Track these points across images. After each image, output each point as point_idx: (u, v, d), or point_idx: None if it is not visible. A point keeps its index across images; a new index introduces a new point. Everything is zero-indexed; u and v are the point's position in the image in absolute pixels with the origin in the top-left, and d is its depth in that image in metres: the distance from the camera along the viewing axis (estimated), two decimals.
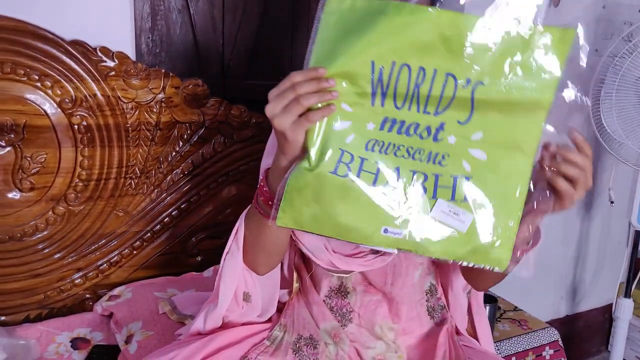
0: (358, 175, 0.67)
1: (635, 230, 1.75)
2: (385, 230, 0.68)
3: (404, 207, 0.68)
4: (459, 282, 0.99)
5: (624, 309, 1.78)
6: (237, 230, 0.88)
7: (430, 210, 0.68)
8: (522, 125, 0.67)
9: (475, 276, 0.94)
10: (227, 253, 0.90)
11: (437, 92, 0.66)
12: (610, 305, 1.86)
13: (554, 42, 0.65)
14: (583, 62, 0.67)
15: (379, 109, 0.67)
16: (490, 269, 0.71)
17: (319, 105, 0.67)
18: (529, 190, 0.69)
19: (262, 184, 0.78)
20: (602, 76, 1.54)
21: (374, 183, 0.67)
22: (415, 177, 0.68)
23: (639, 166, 1.61)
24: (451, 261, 0.71)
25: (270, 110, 0.68)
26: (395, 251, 0.70)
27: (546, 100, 0.66)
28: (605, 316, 2.26)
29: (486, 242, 0.69)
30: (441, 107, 0.66)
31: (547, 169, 0.69)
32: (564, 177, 0.69)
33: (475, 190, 0.68)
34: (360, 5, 0.66)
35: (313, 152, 0.67)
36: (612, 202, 1.80)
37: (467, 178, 0.68)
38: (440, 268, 1.00)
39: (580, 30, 0.65)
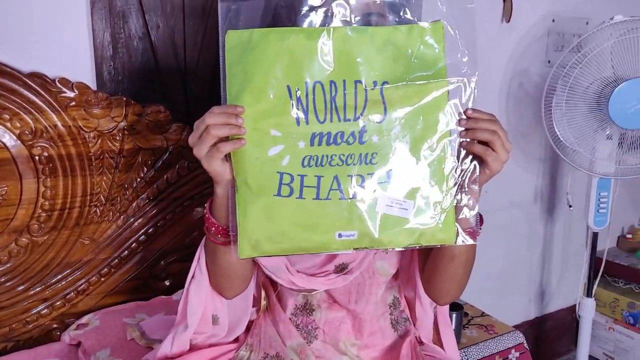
0: (301, 192, 0.73)
1: (593, 232, 1.82)
2: (339, 235, 0.74)
3: (350, 210, 0.73)
4: (427, 297, 1.02)
5: (587, 308, 1.84)
6: (198, 258, 0.90)
7: (375, 207, 0.74)
8: (430, 110, 0.74)
9: (435, 286, 0.97)
10: (191, 278, 0.92)
11: (351, 100, 0.73)
12: (576, 305, 1.92)
13: (430, 34, 0.75)
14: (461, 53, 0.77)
15: (304, 127, 0.73)
16: (440, 246, 0.78)
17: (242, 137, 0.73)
18: (456, 165, 0.76)
19: (207, 216, 0.82)
20: (553, 86, 1.61)
21: (318, 195, 0.73)
22: (353, 180, 0.73)
23: (592, 171, 1.68)
24: (403, 248, 0.77)
25: (190, 139, 0.75)
26: (352, 252, 0.76)
27: (443, 82, 0.74)
28: (572, 316, 2.33)
29: (430, 222, 0.75)
30: (358, 112, 0.73)
31: (464, 141, 0.76)
32: (480, 143, 0.76)
33: (408, 179, 0.74)
34: (257, 36, 0.72)
35: (239, 181, 0.73)
36: (570, 206, 1.86)
37: (398, 169, 0.74)
38: (406, 282, 1.03)
39: (444, 23, 0.76)
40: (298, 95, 0.72)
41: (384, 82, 0.73)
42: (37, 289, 1.19)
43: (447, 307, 1.11)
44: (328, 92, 0.73)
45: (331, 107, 0.73)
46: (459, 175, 0.77)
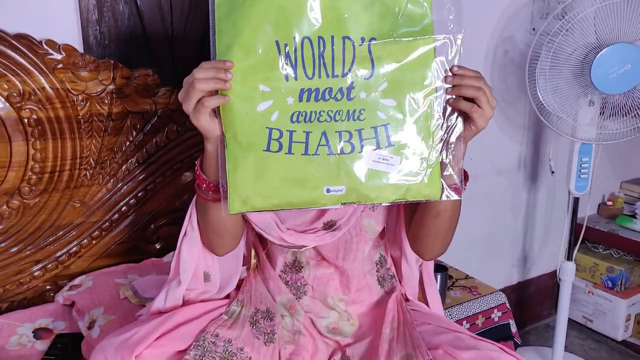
0: (290, 148, 0.74)
1: (574, 197, 1.87)
2: (328, 190, 0.76)
3: (338, 165, 0.75)
4: (413, 255, 1.05)
5: (567, 272, 1.90)
6: (190, 215, 0.92)
7: (363, 162, 0.76)
8: (417, 66, 0.76)
9: (421, 241, 0.99)
10: (183, 235, 0.94)
11: (339, 56, 0.74)
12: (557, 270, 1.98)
13: None
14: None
15: (293, 83, 0.74)
16: (426, 201, 0.81)
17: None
18: (442, 121, 0.78)
19: (198, 172, 0.84)
20: (537, 53, 1.63)
21: (306, 151, 0.75)
22: (342, 136, 0.75)
23: (575, 137, 1.72)
24: (389, 203, 0.79)
25: (179, 95, 0.76)
26: (340, 206, 0.78)
27: (429, 39, 0.76)
28: (554, 281, 2.39)
29: (416, 177, 0.77)
30: (346, 68, 0.75)
31: (450, 97, 0.78)
32: (466, 100, 0.78)
33: (394, 135, 0.76)
34: None
35: (228, 137, 0.74)
36: (552, 172, 1.91)
37: (385, 125, 0.76)
38: (392, 241, 1.07)
39: None
40: (287, 51, 0.73)
41: (372, 39, 0.74)
42: (30, 251, 1.21)
43: (432, 266, 1.14)
44: (316, 47, 0.74)
45: (319, 63, 0.74)
46: (445, 132, 0.79)
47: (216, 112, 0.76)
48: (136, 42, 1.39)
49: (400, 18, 0.75)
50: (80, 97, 1.18)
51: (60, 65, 1.14)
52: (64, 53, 1.15)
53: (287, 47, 0.73)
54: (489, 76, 1.93)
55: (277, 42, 0.73)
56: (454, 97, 0.78)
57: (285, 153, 0.74)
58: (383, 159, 0.77)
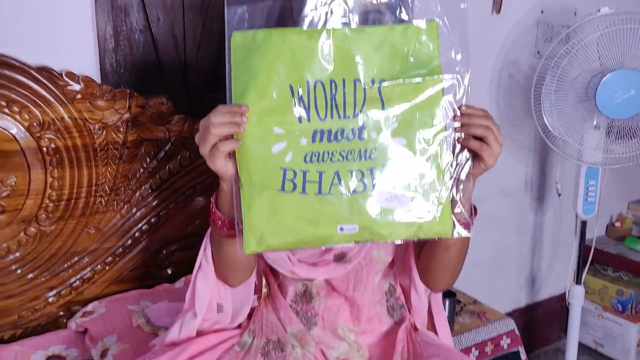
0: (304, 188, 0.76)
1: (582, 220, 1.88)
2: (342, 229, 0.77)
3: (350, 204, 0.77)
4: (422, 284, 1.06)
5: (576, 295, 1.90)
6: (204, 248, 0.94)
7: (375, 201, 0.77)
8: (426, 106, 0.78)
9: (431, 273, 1.01)
10: (198, 269, 0.95)
11: (350, 98, 0.76)
12: (566, 293, 1.97)
13: (425, 33, 0.78)
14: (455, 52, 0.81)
15: (306, 125, 0.76)
16: (438, 239, 0.83)
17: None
18: (452, 159, 0.80)
19: (213, 209, 0.86)
20: (542, 76, 1.66)
21: (320, 190, 0.76)
22: (354, 175, 0.77)
23: (581, 161, 1.74)
24: (401, 241, 0.81)
25: (196, 138, 0.77)
26: (353, 244, 0.79)
27: (438, 79, 0.78)
28: (562, 303, 2.38)
29: (428, 215, 0.79)
30: (357, 109, 0.77)
31: (459, 135, 0.80)
32: (475, 138, 0.80)
33: (406, 173, 0.78)
34: (261, 36, 0.75)
35: (244, 178, 0.76)
36: (559, 195, 1.92)
37: (396, 164, 0.78)
38: (402, 271, 1.08)
39: (438, 21, 0.79)
40: (300, 94, 0.75)
41: (382, 80, 0.77)
42: (45, 277, 1.23)
43: (440, 294, 1.15)
44: (328, 90, 0.76)
45: (332, 105, 0.76)
46: (455, 170, 0.80)
47: (231, 153, 0.77)
48: (150, 69, 1.43)
49: (409, 59, 0.78)
50: (97, 126, 1.21)
51: (79, 96, 1.18)
52: (82, 84, 1.18)
53: (301, 91, 0.75)
54: (495, 98, 1.95)
55: (290, 86, 0.75)
56: (463, 135, 0.80)
57: (300, 193, 0.76)
58: (395, 198, 0.78)
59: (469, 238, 0.93)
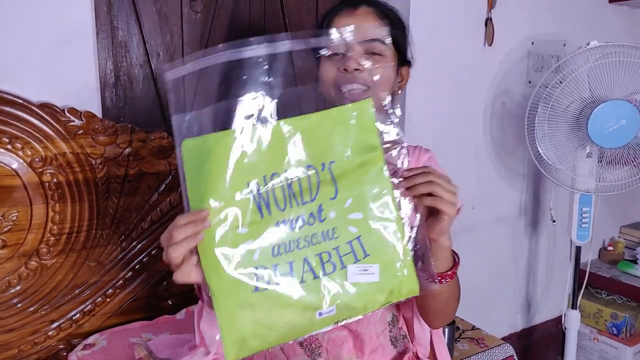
0: (277, 282, 0.75)
1: (577, 246, 1.90)
2: (320, 314, 0.77)
3: (324, 287, 0.77)
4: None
5: (572, 320, 1.91)
6: (202, 300, 0.93)
7: (346, 279, 0.78)
8: (373, 177, 0.81)
9: (425, 316, 1.03)
10: (199, 317, 0.96)
11: (305, 184, 0.78)
12: (562, 316, 1.99)
13: (361, 110, 0.81)
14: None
15: (268, 218, 0.76)
16: (409, 299, 0.83)
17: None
18: (407, 221, 0.82)
19: (195, 291, 0.87)
20: (535, 105, 1.70)
21: (292, 281, 0.76)
22: (321, 258, 0.78)
23: (574, 188, 1.77)
24: (379, 309, 0.82)
25: (164, 256, 0.74)
26: (334, 326, 0.79)
27: (379, 151, 0.82)
28: (558, 327, 2.40)
29: (396, 279, 0.81)
30: (313, 193, 0.78)
31: (411, 197, 0.83)
32: (427, 195, 0.82)
33: (368, 244, 0.80)
34: (212, 140, 0.74)
35: (214, 287, 0.73)
36: (554, 221, 1.94)
37: (358, 238, 0.80)
38: (404, 303, 1.09)
39: (370, 100, 0.82)
40: (258, 190, 0.75)
41: (332, 162, 0.79)
42: (45, 311, 1.23)
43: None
44: (284, 181, 0.77)
45: (289, 194, 0.77)
46: (415, 230, 0.83)
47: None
48: (150, 104, 1.45)
49: (350, 138, 0.81)
50: (98, 161, 1.22)
51: (81, 132, 1.19)
52: (84, 119, 1.19)
53: (258, 186, 0.75)
54: (488, 126, 1.99)
55: (248, 184, 0.75)
56: (414, 197, 0.83)
57: (274, 289, 0.75)
58: (363, 270, 0.79)
59: (455, 284, 0.96)
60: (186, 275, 0.73)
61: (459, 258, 0.90)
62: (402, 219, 0.82)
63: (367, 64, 0.93)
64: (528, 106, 1.73)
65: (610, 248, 2.46)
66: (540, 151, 1.71)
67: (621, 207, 2.53)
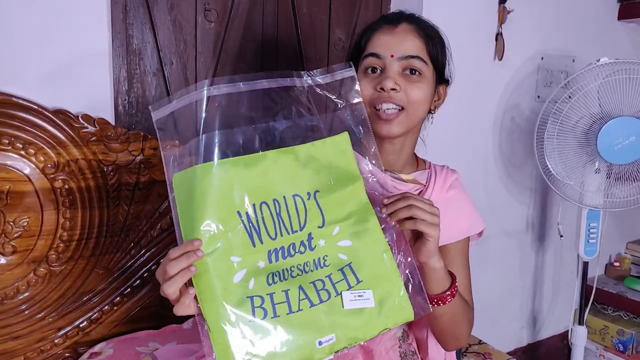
0: (275, 311, 0.74)
1: (584, 261, 1.89)
2: (320, 343, 0.77)
3: (322, 315, 0.77)
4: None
5: (579, 336, 1.90)
6: None
7: (342, 305, 0.78)
8: (355, 204, 0.84)
9: (437, 337, 1.03)
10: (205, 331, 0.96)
11: (293, 213, 0.79)
12: (568, 332, 1.98)
13: (340, 143, 0.86)
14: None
15: (260, 247, 0.76)
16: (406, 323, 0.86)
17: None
18: (393, 245, 0.85)
19: None
20: (545, 121, 1.70)
21: (290, 309, 0.75)
22: (315, 286, 0.78)
23: (582, 203, 1.76)
24: (377, 335, 0.81)
25: (161, 291, 0.73)
26: (333, 356, 0.78)
27: (358, 177, 0.85)
28: (564, 342, 2.39)
29: (390, 304, 0.81)
30: (301, 221, 0.80)
31: (394, 223, 0.85)
32: (409, 219, 0.83)
33: (359, 271, 0.81)
34: (200, 172, 0.74)
35: (211, 321, 0.72)
36: (561, 236, 1.94)
37: (349, 265, 0.81)
38: (417, 323, 1.08)
39: (346, 134, 0.87)
40: (249, 218, 0.76)
41: (316, 191, 0.81)
42: (52, 318, 1.22)
43: None
44: (273, 209, 0.78)
45: (279, 223, 0.78)
46: (402, 254, 0.85)
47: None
48: None
49: (332, 168, 0.83)
50: (110, 168, 1.22)
51: (94, 138, 1.19)
52: (98, 126, 1.20)
53: (249, 215, 0.76)
54: (497, 140, 1.99)
55: (238, 212, 0.75)
56: (396, 223, 0.85)
57: (272, 317, 0.74)
58: (358, 296, 0.80)
59: (459, 304, 0.95)
60: (186, 307, 0.73)
61: (455, 279, 0.90)
62: (390, 244, 0.84)
63: (403, 84, 0.94)
64: (537, 121, 1.73)
65: (616, 264, 2.45)
66: (549, 166, 1.71)
67: (628, 223, 2.52)
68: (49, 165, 1.15)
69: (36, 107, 1.13)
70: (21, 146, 1.12)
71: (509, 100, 1.98)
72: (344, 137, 0.86)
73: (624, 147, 1.61)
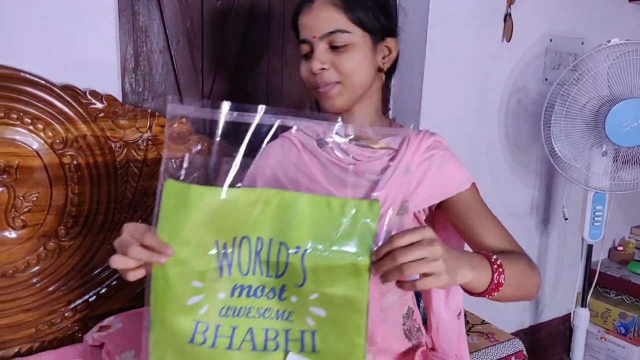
0: (214, 342, 0.73)
1: (588, 244, 1.90)
2: None
3: None
4: (441, 308, 1.08)
5: (581, 318, 1.91)
6: None
7: None
8: (351, 285, 0.72)
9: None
10: None
11: (273, 259, 0.72)
12: (570, 315, 1.99)
13: (365, 212, 0.72)
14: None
15: (227, 279, 0.73)
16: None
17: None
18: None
19: None
20: (552, 103, 1.69)
21: (230, 345, 0.73)
22: (267, 334, 0.75)
23: (588, 186, 1.76)
24: None
25: (113, 260, 0.71)
26: None
27: (365, 262, 0.71)
28: (565, 325, 2.41)
29: None
30: (279, 271, 0.73)
31: (405, 278, 0.71)
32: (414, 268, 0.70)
33: (320, 343, 0.75)
34: (194, 192, 0.70)
35: (155, 317, 0.71)
36: (566, 219, 1.94)
37: (312, 332, 0.75)
38: (423, 295, 1.09)
39: (378, 203, 0.73)
40: (225, 249, 0.72)
41: (305, 250, 0.72)
42: (63, 292, 1.24)
43: (462, 321, 1.16)
44: (253, 246, 0.73)
45: (255, 261, 0.73)
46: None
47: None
48: (168, 89, 1.45)
49: (340, 233, 0.72)
50: (118, 144, 1.23)
51: (102, 114, 1.20)
52: (105, 103, 1.20)
53: (226, 246, 0.72)
54: (504, 123, 1.98)
55: (217, 242, 0.71)
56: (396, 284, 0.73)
57: (209, 347, 0.72)
58: None
59: (517, 269, 0.85)
60: (124, 272, 0.71)
61: (493, 260, 0.80)
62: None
63: (331, 59, 0.91)
64: (545, 103, 1.72)
65: (620, 248, 2.46)
66: (556, 148, 1.70)
67: (633, 207, 2.52)
68: (57, 141, 1.16)
69: (44, 82, 1.13)
70: (30, 121, 1.13)
71: (516, 82, 1.97)
72: (374, 205, 0.73)
73: (633, 129, 1.60)
